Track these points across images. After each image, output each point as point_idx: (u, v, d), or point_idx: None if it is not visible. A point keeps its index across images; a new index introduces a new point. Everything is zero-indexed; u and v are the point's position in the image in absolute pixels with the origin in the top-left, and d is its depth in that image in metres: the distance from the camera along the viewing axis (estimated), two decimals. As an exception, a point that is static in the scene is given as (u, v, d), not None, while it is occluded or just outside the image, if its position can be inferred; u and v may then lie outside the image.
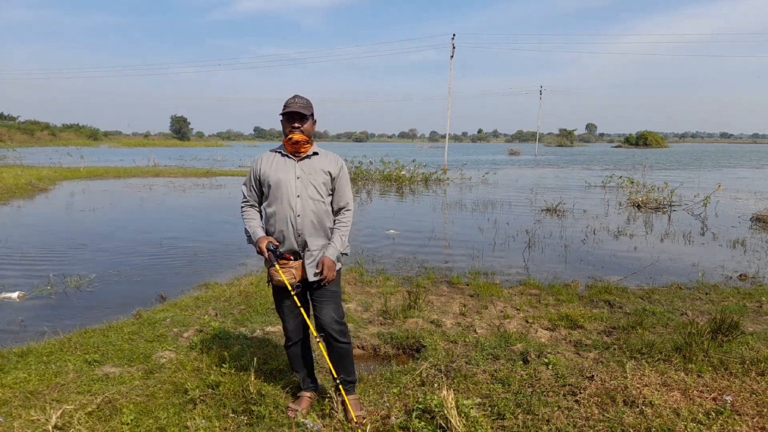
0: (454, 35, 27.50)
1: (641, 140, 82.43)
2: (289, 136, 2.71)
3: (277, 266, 2.68)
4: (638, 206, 13.04)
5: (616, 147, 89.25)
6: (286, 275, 2.69)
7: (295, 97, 2.78)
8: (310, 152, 2.80)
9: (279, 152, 2.83)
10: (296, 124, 2.71)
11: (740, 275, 6.42)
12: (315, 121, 2.85)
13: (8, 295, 5.47)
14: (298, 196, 2.72)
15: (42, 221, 10.76)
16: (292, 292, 2.72)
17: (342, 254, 2.81)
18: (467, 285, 5.85)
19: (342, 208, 2.85)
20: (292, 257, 2.74)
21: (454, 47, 27.36)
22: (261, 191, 2.85)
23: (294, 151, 2.77)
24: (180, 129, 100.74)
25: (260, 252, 2.69)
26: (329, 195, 2.84)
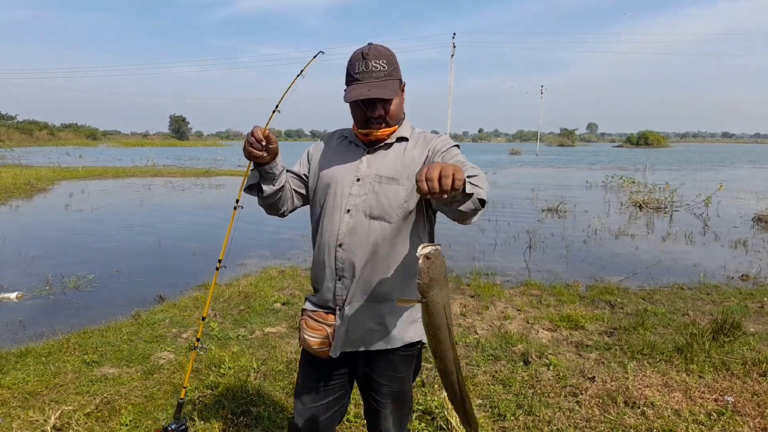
0: (454, 34, 27.59)
1: (642, 140, 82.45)
2: (367, 131, 1.64)
3: (304, 320, 1.74)
4: (639, 206, 13.00)
5: (617, 147, 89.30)
6: (312, 333, 1.70)
7: (367, 56, 1.57)
8: (392, 138, 1.67)
9: (346, 136, 1.77)
10: (379, 114, 1.60)
11: (742, 275, 6.40)
12: (404, 84, 1.68)
13: (7, 295, 5.45)
14: (348, 211, 1.62)
15: (40, 221, 10.73)
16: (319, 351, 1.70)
17: (478, 200, 1.46)
18: (468, 285, 5.83)
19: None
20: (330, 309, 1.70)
21: (454, 46, 27.39)
22: (306, 185, 1.79)
23: (368, 140, 1.68)
24: (179, 128, 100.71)
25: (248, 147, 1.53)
26: (414, 215, 1.68)
